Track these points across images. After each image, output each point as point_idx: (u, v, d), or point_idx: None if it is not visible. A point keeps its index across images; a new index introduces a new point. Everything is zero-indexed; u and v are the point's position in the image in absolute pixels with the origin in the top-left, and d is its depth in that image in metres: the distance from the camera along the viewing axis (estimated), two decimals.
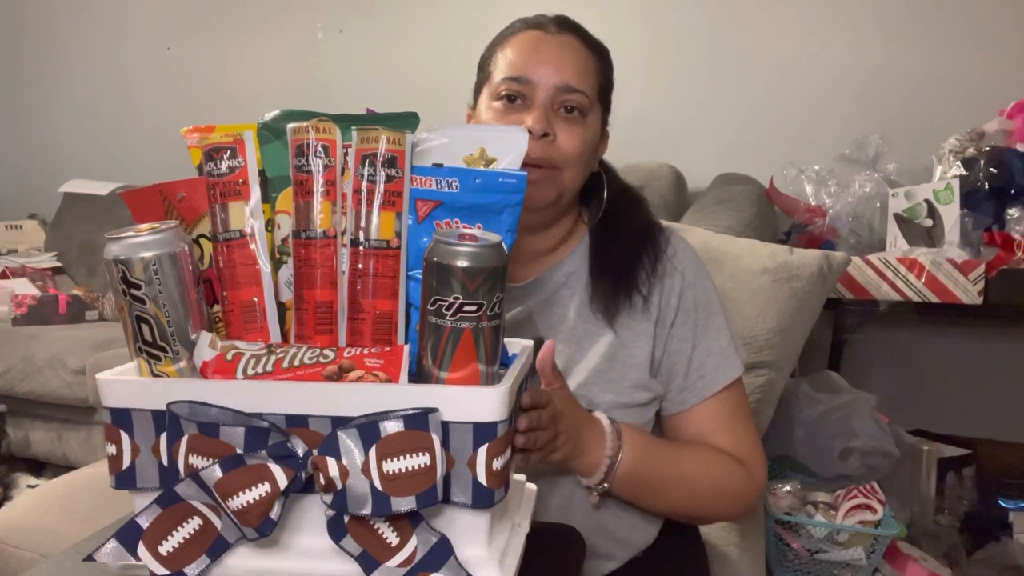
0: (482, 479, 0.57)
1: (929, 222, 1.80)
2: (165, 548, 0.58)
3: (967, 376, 2.09)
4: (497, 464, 0.57)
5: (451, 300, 0.57)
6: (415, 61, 2.67)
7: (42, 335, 2.30)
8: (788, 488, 1.48)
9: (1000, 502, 1.83)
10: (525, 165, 0.82)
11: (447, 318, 0.57)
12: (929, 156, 1.94)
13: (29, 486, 2.12)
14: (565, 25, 0.91)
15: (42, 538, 1.15)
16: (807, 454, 1.61)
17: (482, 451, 0.56)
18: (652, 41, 2.36)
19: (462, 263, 0.56)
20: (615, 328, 0.89)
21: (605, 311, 0.90)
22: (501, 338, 0.61)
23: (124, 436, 0.60)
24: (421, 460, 0.55)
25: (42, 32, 3.30)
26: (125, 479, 0.61)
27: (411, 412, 0.55)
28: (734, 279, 1.34)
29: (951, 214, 1.76)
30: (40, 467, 2.28)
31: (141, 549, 0.58)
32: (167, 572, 0.58)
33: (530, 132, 0.83)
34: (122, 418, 0.60)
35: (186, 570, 0.58)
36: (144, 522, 0.58)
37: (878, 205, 1.94)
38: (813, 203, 2.00)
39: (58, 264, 2.91)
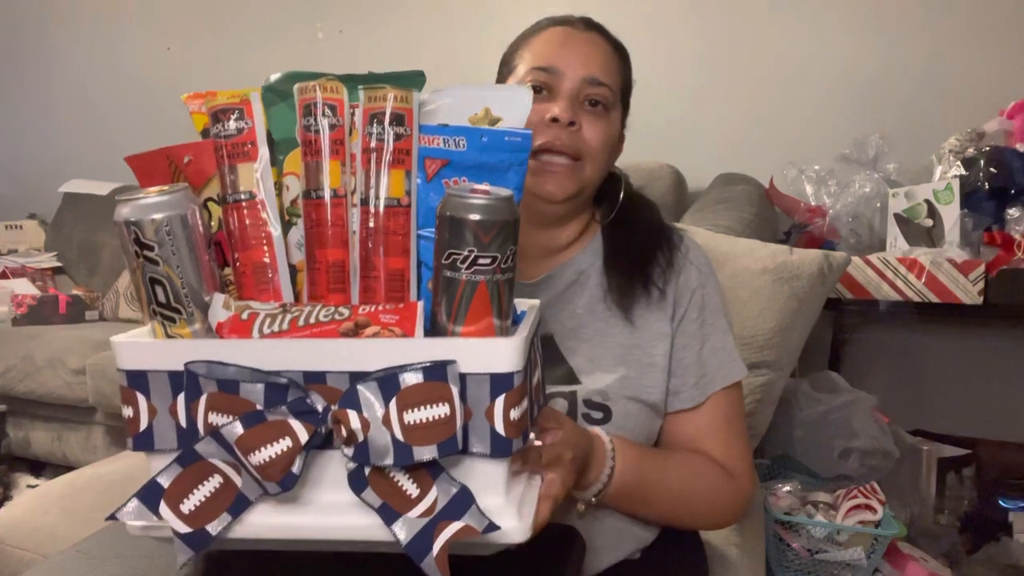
0: (500, 429, 0.57)
1: (929, 222, 1.80)
2: (187, 506, 0.58)
3: (967, 376, 2.09)
4: (514, 414, 0.57)
5: (465, 253, 0.57)
6: (415, 61, 2.66)
7: (42, 335, 2.30)
8: (788, 488, 1.48)
9: (1000, 502, 1.82)
10: (550, 152, 0.86)
11: (462, 271, 0.58)
12: (929, 156, 1.94)
13: (29, 486, 2.12)
14: (592, 24, 0.93)
15: (42, 538, 1.15)
16: (807, 454, 1.61)
17: (499, 401, 0.57)
18: (652, 41, 2.36)
19: (476, 216, 0.57)
20: (633, 321, 0.90)
21: (621, 302, 0.90)
22: (513, 293, 0.61)
23: (140, 398, 0.60)
24: (441, 410, 0.55)
25: (42, 32, 3.30)
26: (143, 441, 0.60)
27: (430, 364, 0.56)
28: (734, 279, 1.34)
29: (951, 214, 1.76)
30: (40, 467, 2.28)
31: (163, 508, 0.58)
32: (189, 530, 0.57)
33: (556, 120, 0.85)
34: (138, 380, 0.60)
35: (208, 527, 0.57)
36: (165, 481, 0.58)
37: (878, 205, 1.94)
38: (813, 203, 2.00)
39: (58, 264, 2.91)
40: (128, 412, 0.60)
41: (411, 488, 0.57)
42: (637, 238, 0.94)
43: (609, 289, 0.91)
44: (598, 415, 0.87)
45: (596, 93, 0.88)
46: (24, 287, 2.65)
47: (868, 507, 1.43)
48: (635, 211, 0.96)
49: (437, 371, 0.55)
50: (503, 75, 0.94)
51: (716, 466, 0.89)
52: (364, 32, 2.75)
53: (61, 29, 3.27)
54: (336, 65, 0.68)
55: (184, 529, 0.57)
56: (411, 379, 0.55)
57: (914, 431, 1.93)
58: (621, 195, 0.95)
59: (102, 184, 2.93)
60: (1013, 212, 1.70)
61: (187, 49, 3.05)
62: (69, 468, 1.72)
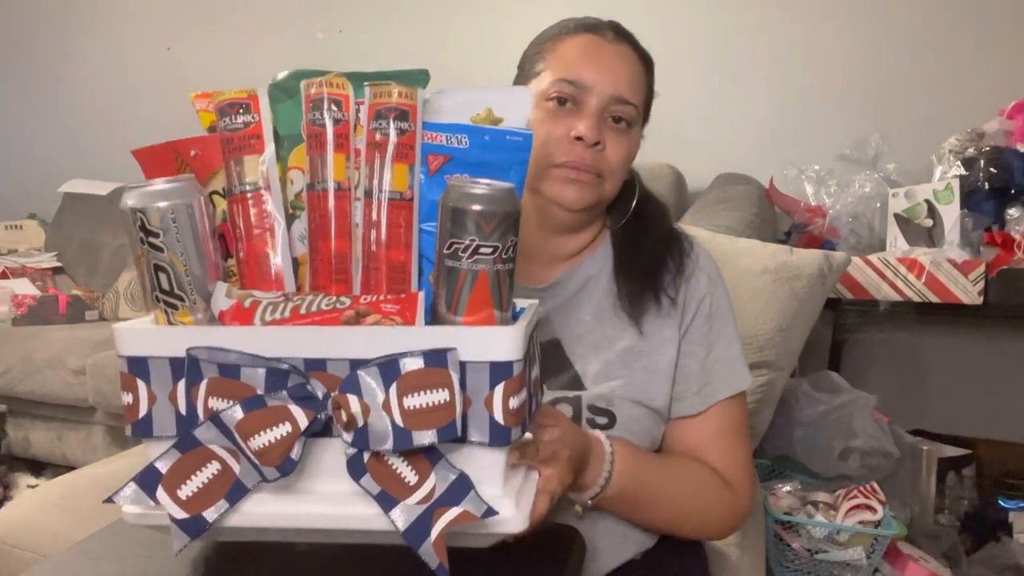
0: (499, 417, 0.57)
1: (929, 222, 1.80)
2: (184, 492, 0.58)
3: (967, 376, 2.09)
4: (513, 403, 0.58)
5: (467, 242, 0.58)
6: (415, 61, 2.66)
7: (42, 335, 2.30)
8: (788, 488, 1.48)
9: (1000, 502, 1.83)
10: (573, 168, 0.86)
11: (463, 260, 0.58)
12: (929, 156, 1.94)
13: (29, 486, 2.12)
14: (621, 33, 0.92)
15: (42, 538, 1.14)
16: (807, 454, 1.61)
17: (499, 390, 0.57)
18: (652, 41, 2.35)
19: (478, 206, 0.58)
20: (642, 329, 0.89)
21: (632, 311, 0.90)
22: (513, 286, 0.62)
23: (140, 384, 0.60)
24: (441, 396, 0.56)
25: (42, 32, 3.29)
26: (142, 427, 0.60)
27: (430, 350, 0.56)
28: (734, 279, 1.33)
29: (951, 214, 1.75)
30: (40, 467, 2.28)
31: (160, 493, 0.58)
32: (186, 516, 0.57)
33: (581, 139, 0.85)
34: (138, 366, 0.60)
35: (205, 514, 0.58)
36: (163, 467, 0.58)
37: (878, 205, 1.94)
38: (813, 203, 2.00)
39: (58, 264, 2.91)
40: (128, 399, 0.60)
41: (409, 475, 0.57)
42: (647, 245, 0.93)
43: (619, 297, 0.91)
44: (603, 420, 0.87)
45: (622, 111, 0.88)
46: (24, 287, 2.65)
47: (868, 507, 1.43)
48: (645, 216, 0.96)
49: (437, 357, 0.56)
50: (523, 78, 0.92)
51: (715, 476, 0.89)
52: (364, 32, 2.75)
53: (61, 29, 3.26)
54: (336, 65, 0.69)
55: (181, 515, 0.57)
56: (411, 365, 0.56)
57: (914, 431, 1.93)
58: (634, 202, 0.95)
59: (102, 184, 2.93)
60: (1013, 212, 1.70)
61: (187, 49, 3.04)
62: (69, 468, 1.72)
